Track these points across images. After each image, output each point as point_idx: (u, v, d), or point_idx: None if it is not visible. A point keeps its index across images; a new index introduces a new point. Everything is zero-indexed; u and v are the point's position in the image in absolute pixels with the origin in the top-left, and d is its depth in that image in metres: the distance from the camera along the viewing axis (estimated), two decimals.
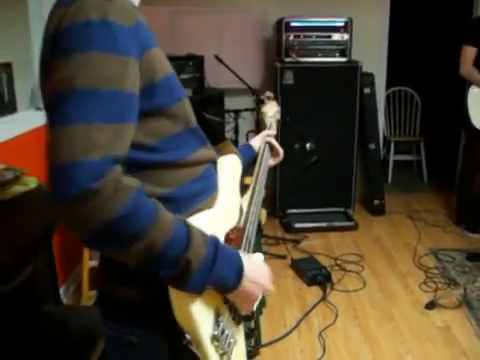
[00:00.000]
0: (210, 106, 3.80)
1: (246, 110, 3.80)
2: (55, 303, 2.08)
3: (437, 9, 6.05)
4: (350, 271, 3.46)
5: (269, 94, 1.94)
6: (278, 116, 1.87)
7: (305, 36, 4.09)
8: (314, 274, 3.25)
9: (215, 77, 4.14)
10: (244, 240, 1.16)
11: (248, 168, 1.44)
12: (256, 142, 1.59)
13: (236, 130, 3.76)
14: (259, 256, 1.13)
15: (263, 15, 4.47)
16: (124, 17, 0.91)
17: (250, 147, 1.57)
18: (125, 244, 0.86)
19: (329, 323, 2.87)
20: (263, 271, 1.10)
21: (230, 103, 4.19)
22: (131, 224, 0.85)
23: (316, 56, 4.12)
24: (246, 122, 3.90)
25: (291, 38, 4.07)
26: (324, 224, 4.14)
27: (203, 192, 1.09)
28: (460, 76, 3.93)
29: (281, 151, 1.63)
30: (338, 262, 3.57)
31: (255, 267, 1.06)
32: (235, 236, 1.12)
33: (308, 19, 4.12)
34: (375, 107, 4.43)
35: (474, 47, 3.86)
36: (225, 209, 1.14)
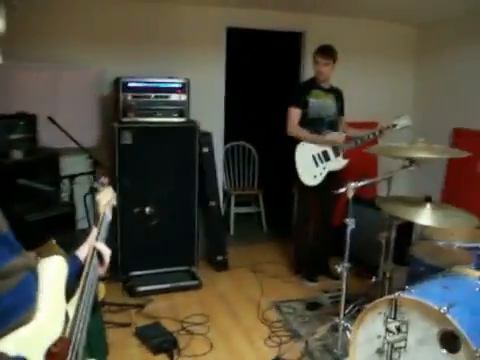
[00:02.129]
0: (43, 171, 3.58)
1: (81, 174, 3.62)
2: None
3: (269, 69, 6.48)
4: (197, 334, 3.40)
5: (104, 180, 1.80)
6: (114, 202, 1.75)
7: (143, 96, 4.07)
8: (160, 341, 3.14)
9: (50, 136, 3.91)
10: (70, 351, 1.05)
11: (74, 282, 1.28)
12: (83, 250, 1.45)
13: (71, 196, 3.57)
14: None
15: (101, 72, 4.39)
16: None
17: (75, 258, 1.41)
18: None
19: None
20: None
21: (66, 164, 4.01)
22: None
23: (155, 116, 4.11)
24: (82, 187, 3.69)
25: (129, 98, 4.02)
26: (169, 285, 4.05)
27: (18, 306, 0.98)
28: (287, 135, 4.20)
29: (107, 260, 1.48)
30: (184, 325, 3.49)
31: None
32: (59, 349, 1.01)
33: (146, 80, 4.12)
34: (214, 165, 4.54)
35: (299, 109, 4.17)
36: (46, 320, 1.03)
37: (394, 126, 3.97)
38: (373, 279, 3.48)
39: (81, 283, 1.28)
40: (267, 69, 6.46)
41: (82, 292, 1.24)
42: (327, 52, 4.13)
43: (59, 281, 1.15)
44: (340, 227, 4.69)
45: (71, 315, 1.14)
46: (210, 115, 4.64)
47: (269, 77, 6.51)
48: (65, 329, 1.09)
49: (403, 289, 2.57)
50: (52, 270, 1.13)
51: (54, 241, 1.60)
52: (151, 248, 4.14)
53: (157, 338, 3.18)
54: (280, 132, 4.28)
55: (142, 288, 3.97)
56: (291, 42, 5.36)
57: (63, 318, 1.11)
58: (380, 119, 4.52)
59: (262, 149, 6.10)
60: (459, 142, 4.71)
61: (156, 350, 3.12)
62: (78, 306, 1.18)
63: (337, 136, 4.14)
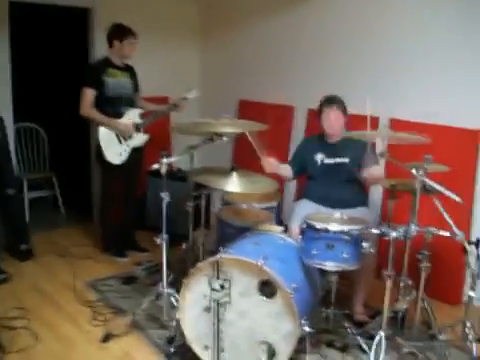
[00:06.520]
0: None
1: None
2: None
3: (59, 48, 6.21)
4: (19, 328, 3.26)
5: None
6: None
7: None
8: None
9: None
10: None
11: None
12: None
13: None
14: None
15: None
16: None
17: None
18: None
19: None
20: None
21: None
22: None
23: None
24: None
25: None
26: None
27: None
28: (81, 116, 4.18)
29: None
30: (2, 322, 3.31)
31: None
32: None
33: None
34: (8, 151, 4.28)
35: (93, 90, 4.16)
36: None
37: (185, 99, 4.28)
38: (183, 246, 3.74)
39: None
40: (56, 47, 6.17)
41: None
42: (131, 31, 4.19)
43: None
44: (139, 200, 4.88)
45: None
46: None
47: (58, 55, 6.25)
48: None
49: (215, 251, 2.85)
50: None
51: None
52: None
53: None
54: (72, 113, 4.21)
55: None
56: (80, 19, 5.20)
57: None
58: (171, 93, 4.74)
59: (52, 130, 5.86)
60: (244, 112, 5.19)
61: None
62: None
63: (126, 124, 4.22)
